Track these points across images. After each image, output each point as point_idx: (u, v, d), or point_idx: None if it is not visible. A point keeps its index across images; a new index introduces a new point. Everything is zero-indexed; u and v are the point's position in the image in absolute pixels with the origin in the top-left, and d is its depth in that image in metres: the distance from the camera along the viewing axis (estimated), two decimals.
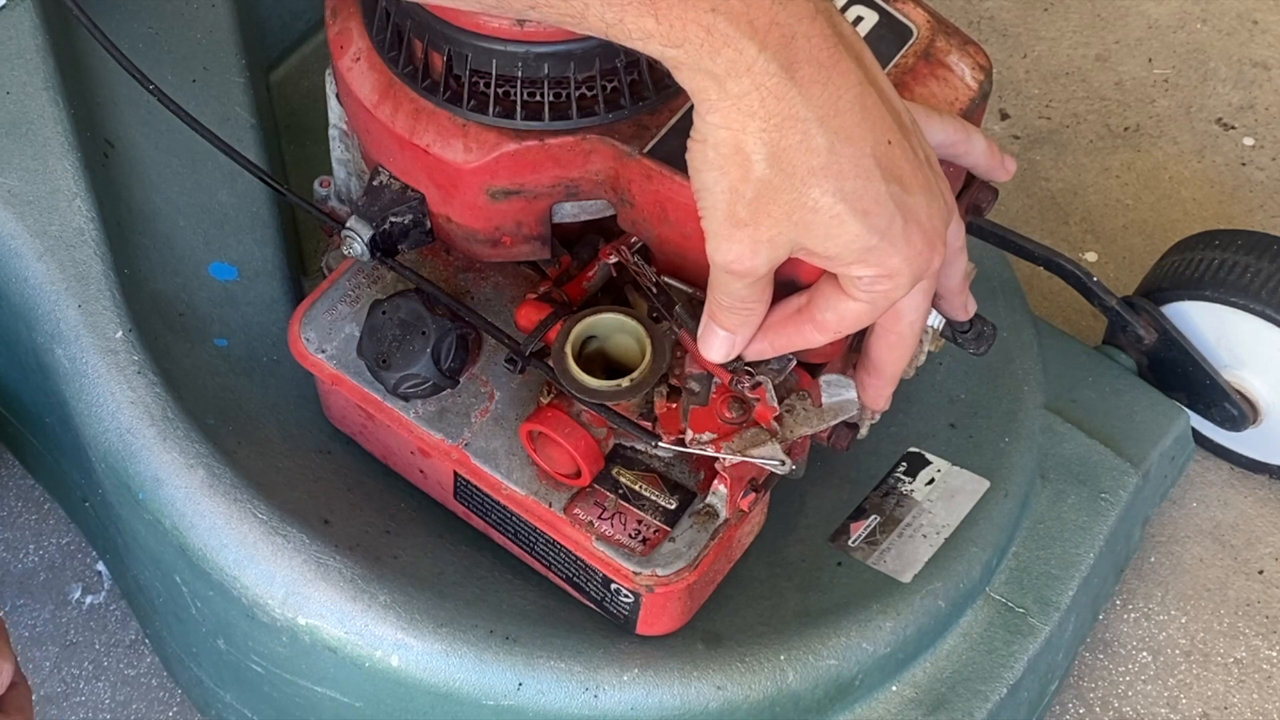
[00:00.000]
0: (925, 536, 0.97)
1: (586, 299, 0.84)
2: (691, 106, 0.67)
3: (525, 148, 0.77)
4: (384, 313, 0.85)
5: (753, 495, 0.81)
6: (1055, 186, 1.39)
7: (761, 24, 0.64)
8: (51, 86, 0.97)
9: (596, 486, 0.84)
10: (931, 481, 1.00)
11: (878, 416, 0.92)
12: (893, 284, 0.70)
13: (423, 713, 0.89)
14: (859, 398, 0.82)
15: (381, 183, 0.83)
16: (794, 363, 0.80)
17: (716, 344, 0.76)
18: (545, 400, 0.84)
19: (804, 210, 0.67)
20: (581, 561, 0.86)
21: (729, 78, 0.64)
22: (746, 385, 0.79)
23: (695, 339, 0.77)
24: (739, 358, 0.77)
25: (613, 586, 0.85)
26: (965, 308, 0.84)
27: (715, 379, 0.79)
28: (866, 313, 0.72)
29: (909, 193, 0.68)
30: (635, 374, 0.79)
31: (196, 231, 1.00)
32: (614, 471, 0.84)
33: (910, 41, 0.81)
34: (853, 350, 0.83)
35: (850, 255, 0.68)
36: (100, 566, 1.14)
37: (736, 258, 0.69)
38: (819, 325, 0.73)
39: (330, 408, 0.94)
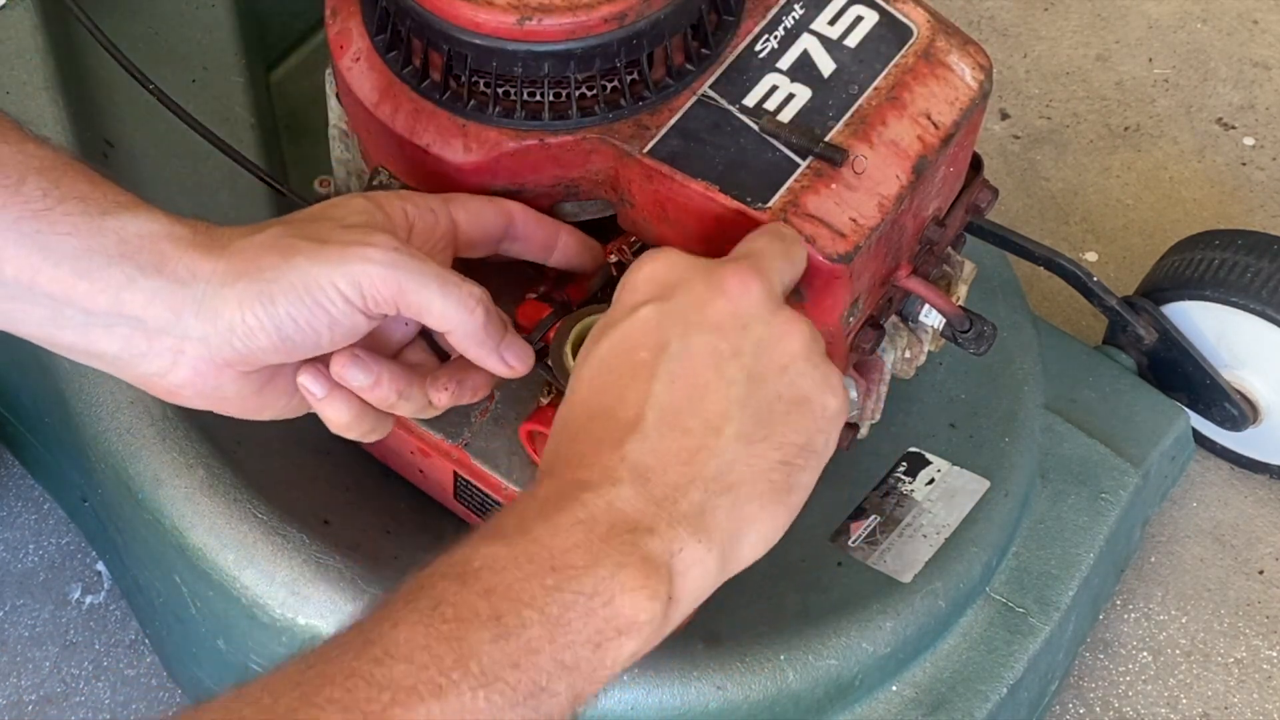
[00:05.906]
0: (925, 536, 0.97)
1: (586, 299, 0.84)
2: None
3: (525, 148, 0.77)
4: None
5: None
6: (1055, 186, 1.39)
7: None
8: (51, 86, 0.97)
9: None
10: (931, 481, 1.00)
11: (878, 416, 0.92)
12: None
13: None
14: None
15: (381, 183, 0.83)
16: None
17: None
18: (545, 400, 0.84)
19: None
20: None
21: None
22: None
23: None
24: None
25: None
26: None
27: None
28: None
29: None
30: None
31: None
32: None
33: (910, 41, 0.81)
34: (852, 350, 0.83)
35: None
36: (100, 566, 1.14)
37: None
38: None
39: None
